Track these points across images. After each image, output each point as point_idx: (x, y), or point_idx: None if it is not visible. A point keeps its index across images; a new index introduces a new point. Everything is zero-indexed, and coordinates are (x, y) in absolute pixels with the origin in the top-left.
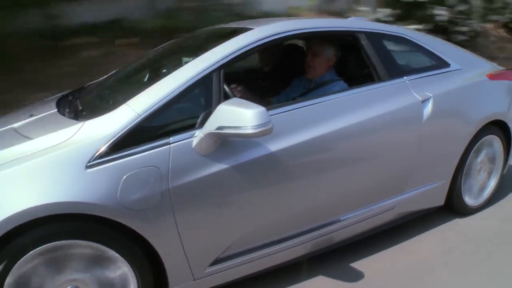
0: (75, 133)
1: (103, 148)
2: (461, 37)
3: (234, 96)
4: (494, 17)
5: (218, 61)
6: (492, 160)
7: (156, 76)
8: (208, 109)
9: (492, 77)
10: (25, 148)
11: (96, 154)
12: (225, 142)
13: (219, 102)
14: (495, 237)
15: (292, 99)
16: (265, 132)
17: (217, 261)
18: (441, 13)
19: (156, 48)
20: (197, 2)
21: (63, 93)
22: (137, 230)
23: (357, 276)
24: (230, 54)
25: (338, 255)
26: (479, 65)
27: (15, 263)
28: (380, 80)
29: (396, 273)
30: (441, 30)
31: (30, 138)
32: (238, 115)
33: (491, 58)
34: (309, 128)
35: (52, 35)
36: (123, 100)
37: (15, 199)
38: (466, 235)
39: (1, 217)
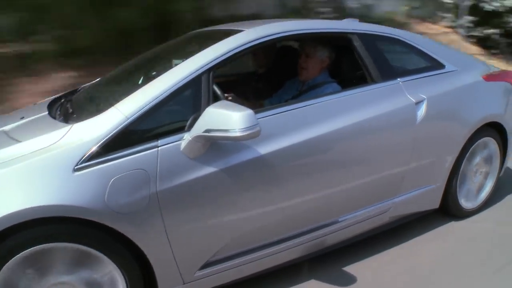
0: (63, 136)
1: (90, 151)
2: None
3: (225, 98)
4: None
5: (207, 64)
6: (488, 162)
7: (146, 78)
8: (197, 112)
9: (488, 78)
10: (13, 151)
11: (84, 157)
12: (214, 145)
13: (208, 105)
14: (491, 239)
15: (285, 102)
16: (253, 135)
17: (207, 265)
18: None
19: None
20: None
21: (56, 95)
22: (125, 234)
23: (352, 279)
24: (219, 57)
25: (332, 258)
26: (475, 66)
27: (3, 265)
28: (373, 82)
29: (392, 276)
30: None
31: (19, 141)
32: (225, 117)
33: None
34: (301, 131)
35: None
36: (111, 103)
37: (2, 202)
38: (463, 238)
39: None
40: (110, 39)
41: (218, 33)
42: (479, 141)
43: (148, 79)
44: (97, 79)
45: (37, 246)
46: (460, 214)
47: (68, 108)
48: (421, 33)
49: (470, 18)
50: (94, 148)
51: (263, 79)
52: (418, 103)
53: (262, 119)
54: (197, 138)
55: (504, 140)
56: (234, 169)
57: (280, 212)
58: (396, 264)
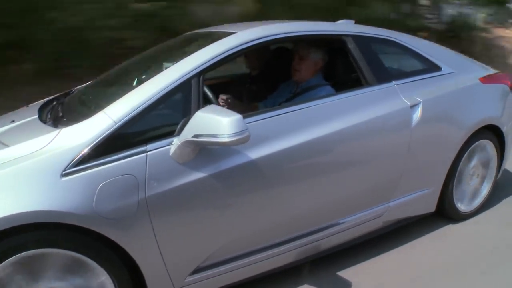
0: (51, 141)
1: (78, 156)
2: None
3: (216, 101)
4: None
5: (197, 67)
6: (485, 165)
7: (138, 81)
8: (187, 116)
9: (485, 80)
10: (1, 156)
11: (72, 162)
12: (205, 150)
13: (198, 109)
14: (489, 242)
15: (279, 104)
16: (242, 141)
17: (198, 270)
18: None
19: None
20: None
21: (48, 98)
22: (114, 240)
23: (346, 284)
24: (210, 60)
25: (327, 262)
26: (472, 69)
27: None
28: (368, 84)
29: (388, 281)
30: None
31: (7, 146)
32: (214, 122)
33: None
34: (293, 135)
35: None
36: (100, 107)
37: None
38: (459, 241)
39: None
40: None
41: (211, 35)
42: (476, 144)
43: (139, 82)
44: (89, 82)
45: (27, 252)
46: (456, 217)
47: (59, 112)
48: (499, 37)
49: None
50: (82, 153)
51: (257, 81)
52: (414, 106)
53: (254, 123)
54: (186, 143)
55: (501, 143)
56: (225, 174)
57: (272, 217)
58: (392, 268)
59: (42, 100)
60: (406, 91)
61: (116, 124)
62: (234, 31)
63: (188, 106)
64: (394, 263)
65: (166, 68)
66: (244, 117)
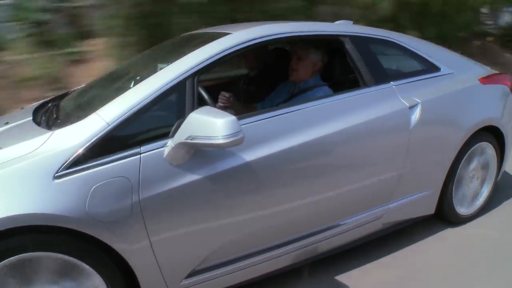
0: (44, 143)
1: (71, 158)
2: None
3: (212, 102)
4: None
5: (192, 68)
6: (485, 167)
7: (130, 83)
8: (181, 118)
9: (485, 81)
10: None
11: (64, 164)
12: (199, 152)
13: (192, 110)
14: (488, 246)
15: (276, 105)
16: (236, 142)
17: (194, 273)
18: None
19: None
20: None
21: (44, 99)
22: (107, 242)
23: (345, 287)
24: (205, 60)
25: (324, 265)
26: (471, 69)
27: None
28: (366, 85)
29: (386, 284)
30: None
31: (0, 148)
32: (208, 124)
33: None
34: (290, 136)
35: None
36: (93, 109)
37: None
38: (459, 244)
39: None
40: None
41: (206, 36)
42: (476, 145)
43: (133, 83)
44: (86, 83)
45: (18, 255)
46: (456, 220)
47: (53, 113)
48: None
49: None
50: (74, 155)
51: (255, 82)
52: (412, 107)
53: (250, 124)
54: (180, 145)
55: (501, 144)
56: (221, 176)
57: (268, 220)
58: (390, 271)
59: (37, 102)
60: (405, 92)
61: (109, 125)
62: (230, 32)
63: (183, 107)
64: (394, 266)
65: (161, 69)
66: (240, 118)
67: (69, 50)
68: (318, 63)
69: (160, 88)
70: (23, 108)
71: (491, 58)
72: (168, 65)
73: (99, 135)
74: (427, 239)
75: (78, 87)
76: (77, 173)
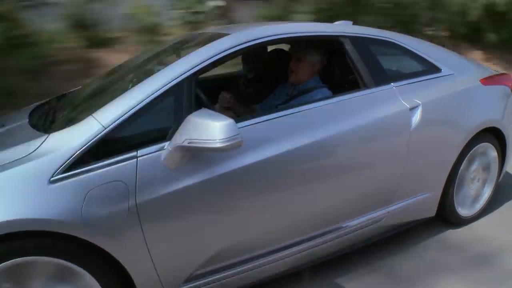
0: (39, 146)
1: (66, 162)
2: None
3: (210, 104)
4: None
5: (189, 70)
6: (486, 168)
7: (127, 85)
8: (179, 121)
9: (486, 82)
10: None
11: (60, 168)
12: (197, 155)
13: (190, 113)
14: (490, 248)
15: (275, 107)
16: (234, 146)
17: (192, 278)
18: None
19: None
20: None
21: (41, 101)
22: (104, 248)
23: None
24: (203, 62)
25: (324, 269)
26: (472, 70)
27: None
28: (366, 87)
29: (391, 285)
30: None
31: None
32: (206, 127)
33: None
34: (289, 139)
35: None
36: (89, 111)
37: None
38: (460, 246)
39: None
40: None
41: (205, 37)
42: (477, 147)
43: (130, 85)
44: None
45: (13, 260)
46: (457, 221)
47: (49, 116)
48: None
49: None
50: (70, 159)
51: (253, 83)
52: (413, 108)
53: (249, 127)
54: (178, 148)
55: (502, 146)
56: (219, 180)
57: (268, 224)
58: (391, 274)
59: (33, 104)
60: (405, 93)
61: (105, 129)
62: (228, 33)
63: (180, 110)
64: (395, 269)
65: (157, 71)
66: (238, 121)
67: None
68: (317, 65)
69: (157, 90)
70: (19, 110)
71: None
72: (165, 66)
73: (95, 139)
74: (428, 240)
75: (75, 89)
76: (72, 177)
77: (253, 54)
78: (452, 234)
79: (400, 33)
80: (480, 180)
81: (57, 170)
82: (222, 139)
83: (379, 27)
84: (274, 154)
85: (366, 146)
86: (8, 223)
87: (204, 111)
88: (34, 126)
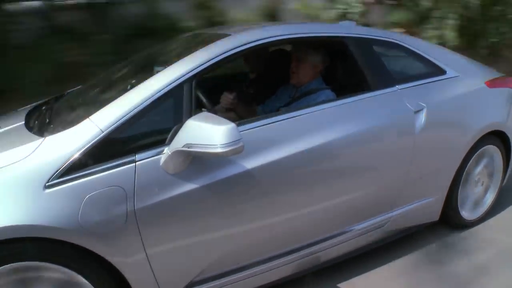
0: (35, 150)
1: (63, 167)
2: None
3: (211, 106)
4: None
5: (190, 71)
6: (490, 171)
7: (125, 86)
8: (179, 124)
9: (491, 84)
10: None
11: (56, 173)
12: (197, 159)
13: (190, 116)
14: (495, 251)
15: (277, 109)
16: (235, 151)
17: (192, 285)
18: None
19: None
20: None
21: (38, 102)
22: (101, 254)
23: None
24: (203, 63)
25: (327, 274)
26: (477, 72)
27: None
28: (370, 89)
29: None
30: None
31: None
32: (206, 131)
33: None
34: (292, 143)
35: None
36: (87, 114)
37: None
38: (464, 249)
39: None
40: None
41: (205, 38)
42: (481, 150)
43: (129, 87)
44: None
45: (7, 266)
46: (461, 225)
47: (46, 118)
48: None
49: None
50: (66, 164)
51: (255, 84)
52: (418, 111)
53: (250, 130)
54: (177, 153)
55: (507, 149)
56: (219, 184)
57: (269, 229)
58: (394, 279)
59: (30, 105)
60: (410, 96)
61: (103, 132)
62: (229, 33)
63: (180, 113)
64: (398, 272)
65: (157, 72)
66: (240, 124)
67: None
68: (319, 65)
69: (157, 93)
70: (16, 110)
71: None
72: (165, 67)
73: (92, 142)
74: (432, 244)
75: (73, 89)
76: (69, 182)
77: (255, 55)
78: (456, 237)
79: (404, 34)
80: (484, 184)
81: (53, 175)
82: (223, 144)
83: None
84: (276, 158)
85: (369, 150)
86: (3, 229)
87: (205, 114)
88: (30, 128)
